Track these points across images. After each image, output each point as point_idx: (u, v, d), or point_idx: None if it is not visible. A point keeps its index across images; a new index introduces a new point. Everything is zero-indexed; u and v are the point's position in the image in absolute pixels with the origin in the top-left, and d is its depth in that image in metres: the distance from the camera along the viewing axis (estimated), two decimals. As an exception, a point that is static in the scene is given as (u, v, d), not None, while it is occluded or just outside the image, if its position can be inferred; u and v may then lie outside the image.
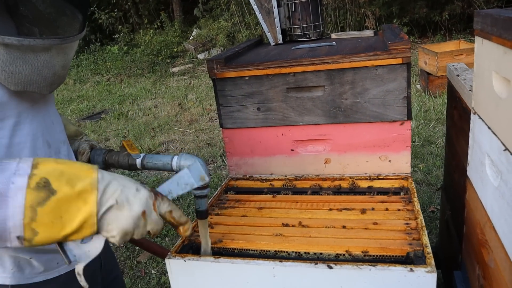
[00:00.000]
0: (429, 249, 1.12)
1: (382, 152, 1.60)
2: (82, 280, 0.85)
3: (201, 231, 1.25)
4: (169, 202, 0.93)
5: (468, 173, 1.46)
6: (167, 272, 1.24)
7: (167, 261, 1.24)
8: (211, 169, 4.46)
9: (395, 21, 8.40)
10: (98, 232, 0.83)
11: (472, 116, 1.38)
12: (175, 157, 1.18)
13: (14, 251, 1.01)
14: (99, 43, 12.19)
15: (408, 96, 1.50)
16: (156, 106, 7.12)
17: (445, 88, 5.45)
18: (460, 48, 5.66)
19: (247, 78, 1.63)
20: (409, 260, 1.13)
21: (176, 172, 1.14)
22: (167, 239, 3.34)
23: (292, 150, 1.70)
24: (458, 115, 1.72)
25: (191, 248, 1.31)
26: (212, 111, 6.34)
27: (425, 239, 1.17)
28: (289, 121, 1.65)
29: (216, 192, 1.68)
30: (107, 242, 1.33)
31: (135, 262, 3.10)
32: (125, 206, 0.83)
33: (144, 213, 0.85)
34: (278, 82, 1.61)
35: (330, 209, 1.44)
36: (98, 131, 6.18)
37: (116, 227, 0.83)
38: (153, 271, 2.98)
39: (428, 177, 3.65)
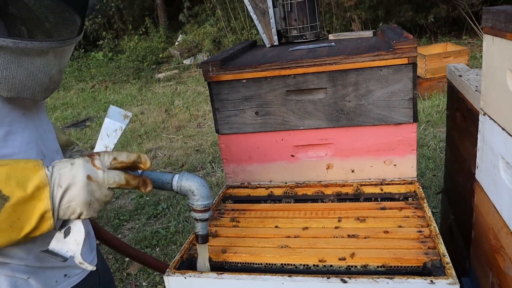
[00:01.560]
0: (447, 259, 1.06)
1: (387, 156, 1.54)
2: (88, 266, 0.89)
3: (201, 255, 1.18)
4: (109, 153, 0.93)
5: (476, 176, 1.40)
6: (158, 284, 1.16)
7: (165, 278, 1.15)
8: (200, 175, 4.35)
9: (381, 24, 8.45)
10: (66, 221, 0.87)
11: (481, 117, 1.33)
12: (176, 176, 1.09)
13: (10, 271, 0.95)
14: (83, 50, 12.00)
15: (414, 97, 1.44)
16: (142, 113, 6.99)
17: (434, 90, 5.47)
18: (448, 50, 5.73)
19: (244, 81, 1.55)
20: (426, 270, 1.07)
21: (177, 192, 1.08)
22: (157, 249, 3.22)
23: (293, 155, 1.63)
24: (462, 117, 1.67)
25: (191, 264, 1.23)
26: (200, 117, 6.24)
27: (442, 248, 1.10)
28: (289, 126, 1.58)
29: (213, 201, 1.59)
30: (101, 257, 1.25)
31: (125, 274, 2.98)
32: (69, 183, 0.84)
33: (89, 176, 0.86)
34: (278, 85, 1.53)
35: (336, 218, 1.37)
36: (84, 139, 6.03)
37: (76, 205, 0.85)
38: (144, 283, 2.86)
39: (422, 180, 3.63)
